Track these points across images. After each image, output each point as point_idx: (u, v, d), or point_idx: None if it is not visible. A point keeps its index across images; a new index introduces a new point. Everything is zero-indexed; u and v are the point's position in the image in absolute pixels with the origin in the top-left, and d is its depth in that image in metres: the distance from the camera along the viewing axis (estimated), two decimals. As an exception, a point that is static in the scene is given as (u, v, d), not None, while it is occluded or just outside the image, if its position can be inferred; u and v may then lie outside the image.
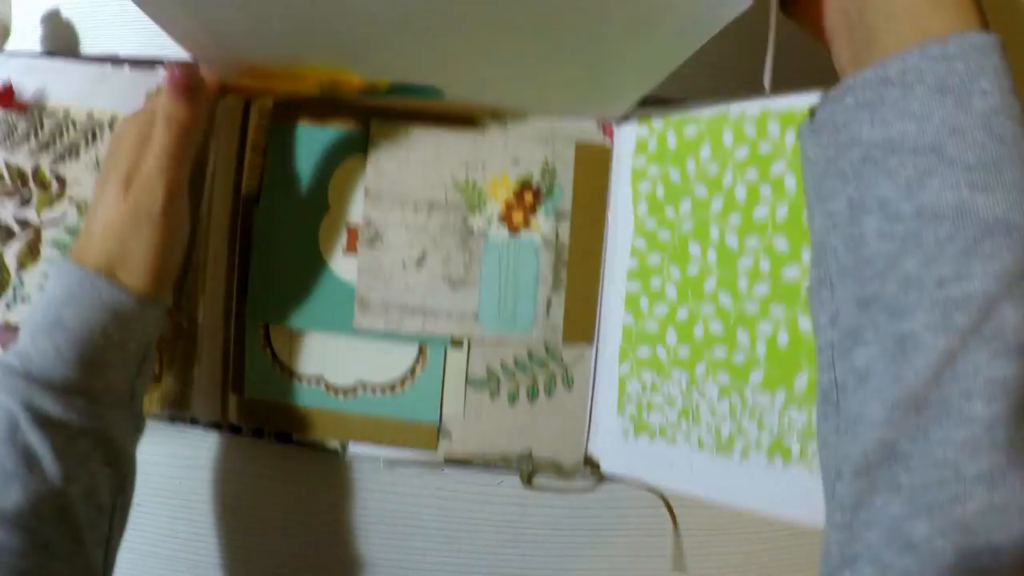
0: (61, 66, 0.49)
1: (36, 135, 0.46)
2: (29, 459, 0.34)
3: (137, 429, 0.40)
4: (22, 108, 0.46)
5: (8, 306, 0.44)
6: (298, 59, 0.40)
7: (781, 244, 0.41)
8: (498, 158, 0.46)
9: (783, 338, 0.40)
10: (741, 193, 0.42)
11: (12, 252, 0.45)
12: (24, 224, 0.45)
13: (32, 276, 0.45)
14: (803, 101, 0.41)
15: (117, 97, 0.47)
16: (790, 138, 0.41)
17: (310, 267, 0.46)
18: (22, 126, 0.46)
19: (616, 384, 0.45)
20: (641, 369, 0.45)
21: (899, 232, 0.25)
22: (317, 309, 0.46)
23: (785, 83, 0.48)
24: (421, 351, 0.46)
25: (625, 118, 0.47)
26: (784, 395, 0.40)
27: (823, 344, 0.30)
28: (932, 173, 0.25)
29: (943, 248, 0.24)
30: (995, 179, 0.24)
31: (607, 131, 0.47)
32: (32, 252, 0.45)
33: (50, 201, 0.45)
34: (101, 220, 0.38)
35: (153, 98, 0.44)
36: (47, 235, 0.45)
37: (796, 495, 0.39)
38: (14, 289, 0.44)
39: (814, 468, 0.38)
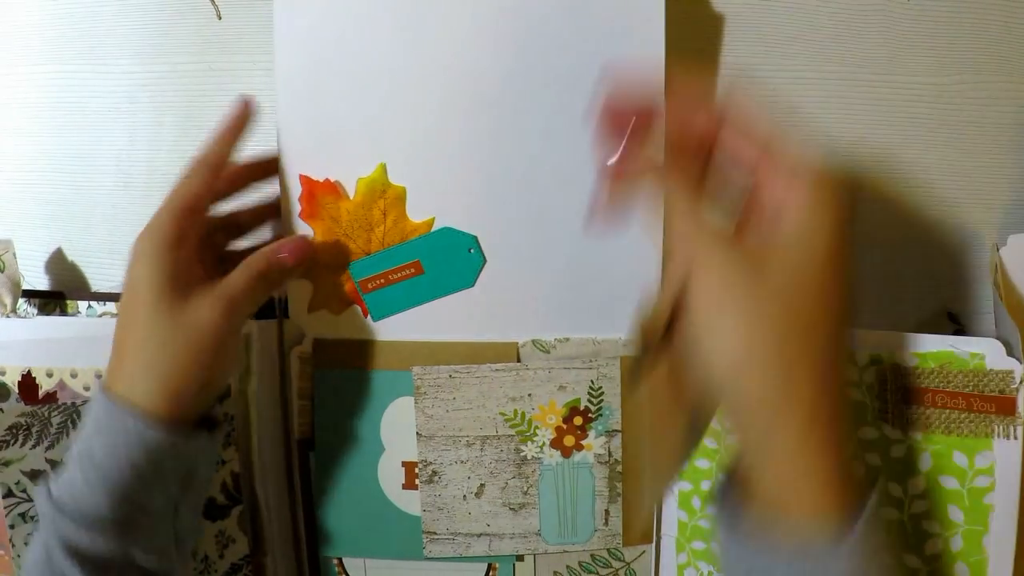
0: (72, 323, 0.47)
1: (75, 424, 0.44)
2: None
3: (182, 551, 0.40)
4: (51, 399, 0.45)
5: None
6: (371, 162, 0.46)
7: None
8: (543, 388, 0.47)
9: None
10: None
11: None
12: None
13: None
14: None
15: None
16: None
17: (374, 504, 0.48)
18: (57, 419, 0.44)
19: (675, 573, 0.50)
20: (697, 560, 0.49)
21: None
22: (386, 541, 0.49)
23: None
24: (491, 565, 0.50)
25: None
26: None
27: None
28: None
29: None
30: None
31: (646, 340, 0.48)
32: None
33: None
34: (141, 335, 0.37)
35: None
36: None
37: None
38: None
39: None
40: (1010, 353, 0.39)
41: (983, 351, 0.39)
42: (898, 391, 0.41)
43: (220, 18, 0.50)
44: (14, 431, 0.43)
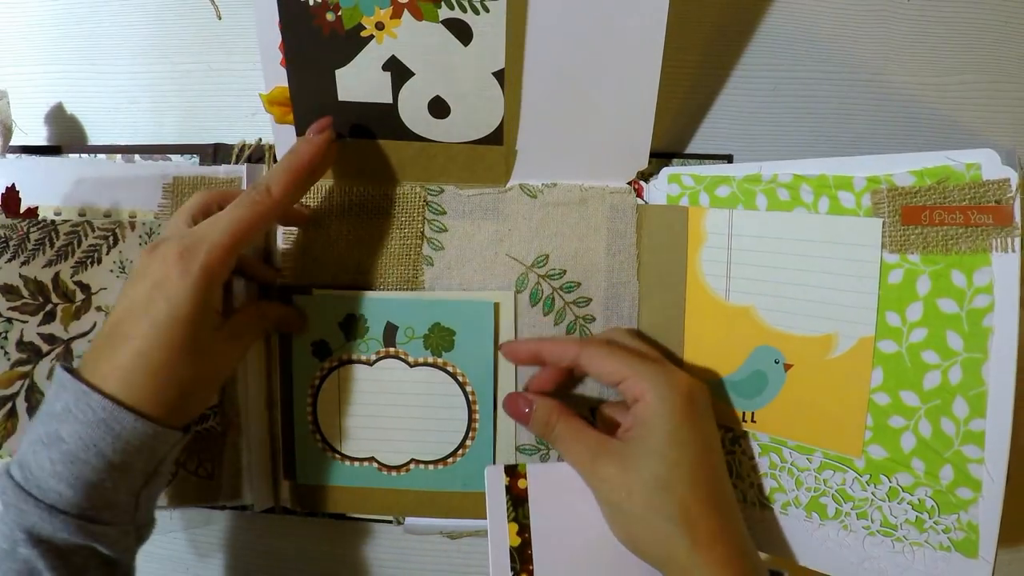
0: (63, 163, 0.46)
1: (51, 243, 0.43)
2: (29, 574, 0.34)
3: (140, 538, 0.39)
4: (31, 214, 0.43)
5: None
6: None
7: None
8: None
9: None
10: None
11: (43, 372, 0.42)
12: (51, 340, 0.43)
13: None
14: (836, 166, 0.42)
15: (132, 193, 0.45)
16: (824, 205, 0.42)
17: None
18: (35, 235, 0.43)
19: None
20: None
21: None
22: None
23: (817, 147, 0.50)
24: (471, 425, 0.47)
25: (651, 175, 0.48)
26: (821, 457, 0.43)
27: None
28: None
29: None
30: None
31: (638, 191, 0.48)
32: (65, 370, 0.43)
33: (76, 313, 0.43)
34: (153, 346, 0.35)
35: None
36: (77, 348, 0.43)
37: (830, 549, 0.42)
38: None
39: (847, 526, 0.42)
40: (1006, 162, 0.39)
41: (980, 160, 0.39)
42: (895, 213, 0.41)
43: (220, 18, 0.50)
44: (-10, 242, 0.41)
